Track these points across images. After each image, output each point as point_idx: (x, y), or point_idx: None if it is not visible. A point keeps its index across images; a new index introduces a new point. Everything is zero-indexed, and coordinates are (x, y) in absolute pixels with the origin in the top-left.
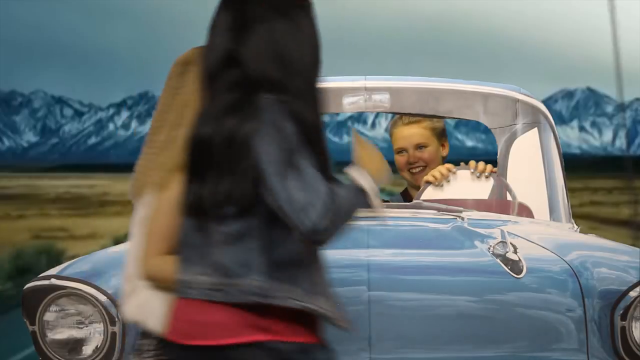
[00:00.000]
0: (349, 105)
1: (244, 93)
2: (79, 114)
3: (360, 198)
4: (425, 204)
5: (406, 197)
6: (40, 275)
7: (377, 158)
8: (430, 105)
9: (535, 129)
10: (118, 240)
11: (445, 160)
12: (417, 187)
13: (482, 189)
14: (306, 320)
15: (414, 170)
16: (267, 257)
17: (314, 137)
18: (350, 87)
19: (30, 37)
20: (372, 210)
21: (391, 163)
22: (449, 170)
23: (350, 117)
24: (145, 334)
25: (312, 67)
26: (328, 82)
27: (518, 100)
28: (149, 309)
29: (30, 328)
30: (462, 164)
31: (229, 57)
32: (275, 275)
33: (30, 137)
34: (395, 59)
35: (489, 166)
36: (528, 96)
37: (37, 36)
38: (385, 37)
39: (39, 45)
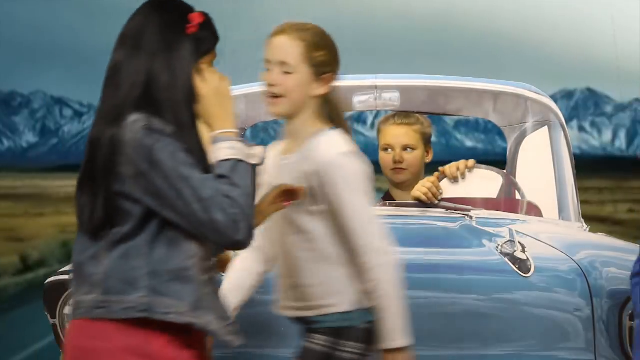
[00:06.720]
0: (359, 103)
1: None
2: (78, 114)
3: (243, 169)
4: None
5: (388, 199)
6: (60, 271)
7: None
8: (440, 103)
9: (546, 127)
10: None
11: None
12: (399, 187)
13: (491, 187)
14: (191, 336)
15: (397, 171)
16: (151, 273)
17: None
18: (360, 86)
19: (31, 38)
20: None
21: (375, 163)
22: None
23: (350, 118)
24: None
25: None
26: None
27: (528, 98)
28: None
29: (51, 321)
30: (440, 169)
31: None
32: (158, 291)
33: (29, 137)
34: (395, 60)
35: (462, 162)
36: (539, 94)
37: (37, 37)
38: (384, 37)
39: (39, 46)
